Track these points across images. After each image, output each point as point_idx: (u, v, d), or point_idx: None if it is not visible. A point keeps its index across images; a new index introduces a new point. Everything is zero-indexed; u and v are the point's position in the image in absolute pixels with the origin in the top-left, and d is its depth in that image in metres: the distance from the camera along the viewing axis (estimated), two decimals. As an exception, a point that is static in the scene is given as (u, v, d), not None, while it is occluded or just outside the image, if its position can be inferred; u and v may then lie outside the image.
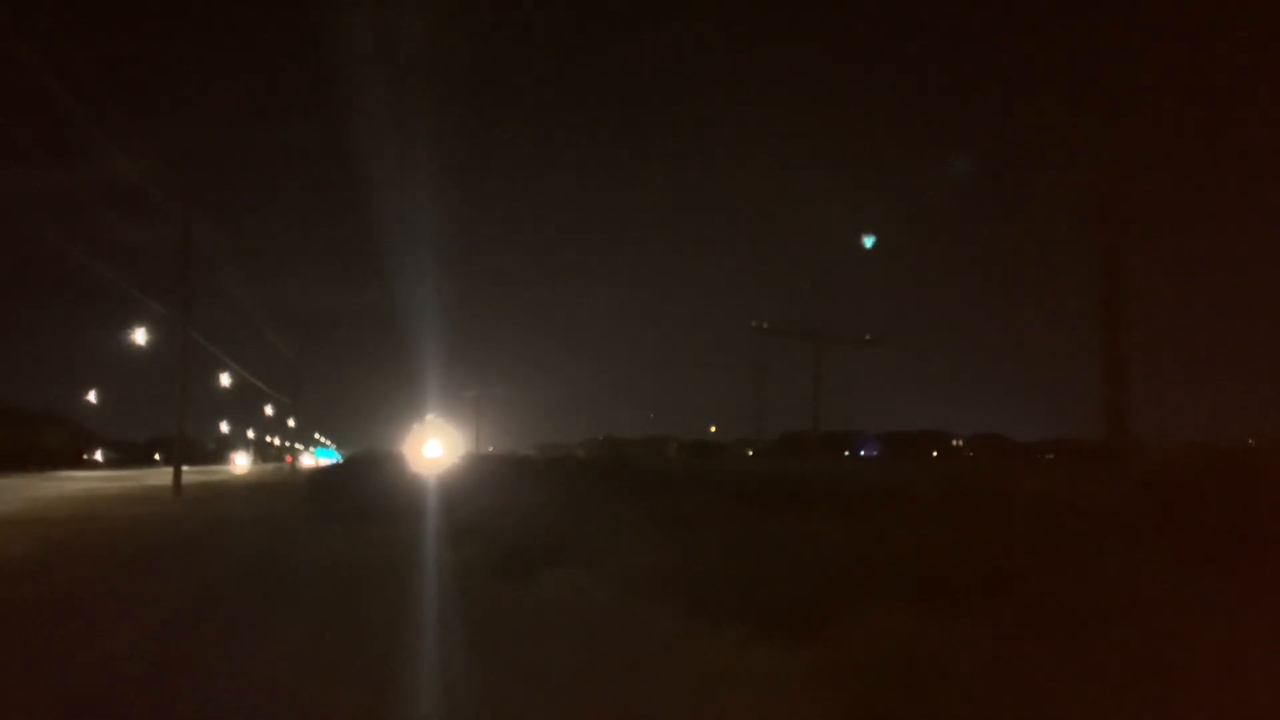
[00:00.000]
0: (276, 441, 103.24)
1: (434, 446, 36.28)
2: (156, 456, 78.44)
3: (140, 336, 34.36)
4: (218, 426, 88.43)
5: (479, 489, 18.80)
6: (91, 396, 65.05)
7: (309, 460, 78.15)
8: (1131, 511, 8.76)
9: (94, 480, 43.08)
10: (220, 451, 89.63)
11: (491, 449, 65.87)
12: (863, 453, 73.56)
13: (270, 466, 78.09)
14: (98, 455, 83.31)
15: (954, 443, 77.97)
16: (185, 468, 33.82)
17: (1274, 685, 4.56)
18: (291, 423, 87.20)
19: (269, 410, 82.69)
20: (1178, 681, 4.68)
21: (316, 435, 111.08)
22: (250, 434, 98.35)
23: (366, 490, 18.96)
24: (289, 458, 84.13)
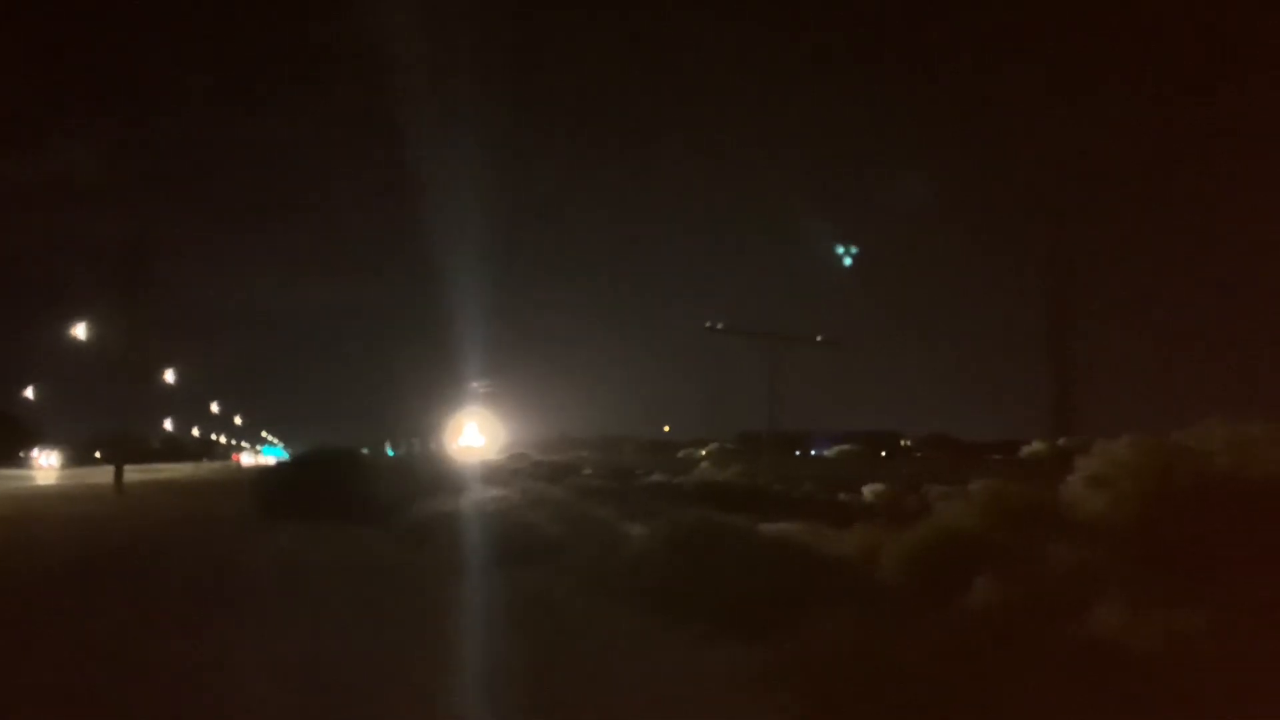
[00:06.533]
0: (223, 440, 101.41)
1: (472, 434, 31.95)
2: (97, 455, 76.51)
3: (81, 331, 33.50)
4: (162, 424, 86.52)
5: (434, 487, 18.64)
6: (29, 393, 63.08)
7: (249, 459, 77.16)
8: (1075, 511, 9.00)
9: (33, 478, 41.92)
10: (178, 448, 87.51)
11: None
12: (814, 452, 74.39)
13: (218, 464, 76.78)
14: (35, 453, 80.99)
15: (902, 443, 79.12)
16: (128, 466, 33.04)
17: (1209, 677, 4.72)
18: (239, 420, 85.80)
19: (215, 408, 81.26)
20: (1126, 675, 4.84)
21: (264, 434, 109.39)
22: (195, 431, 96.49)
23: (318, 488, 18.68)
24: (235, 456, 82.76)
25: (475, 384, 38.75)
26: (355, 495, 18.19)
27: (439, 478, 22.01)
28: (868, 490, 20.34)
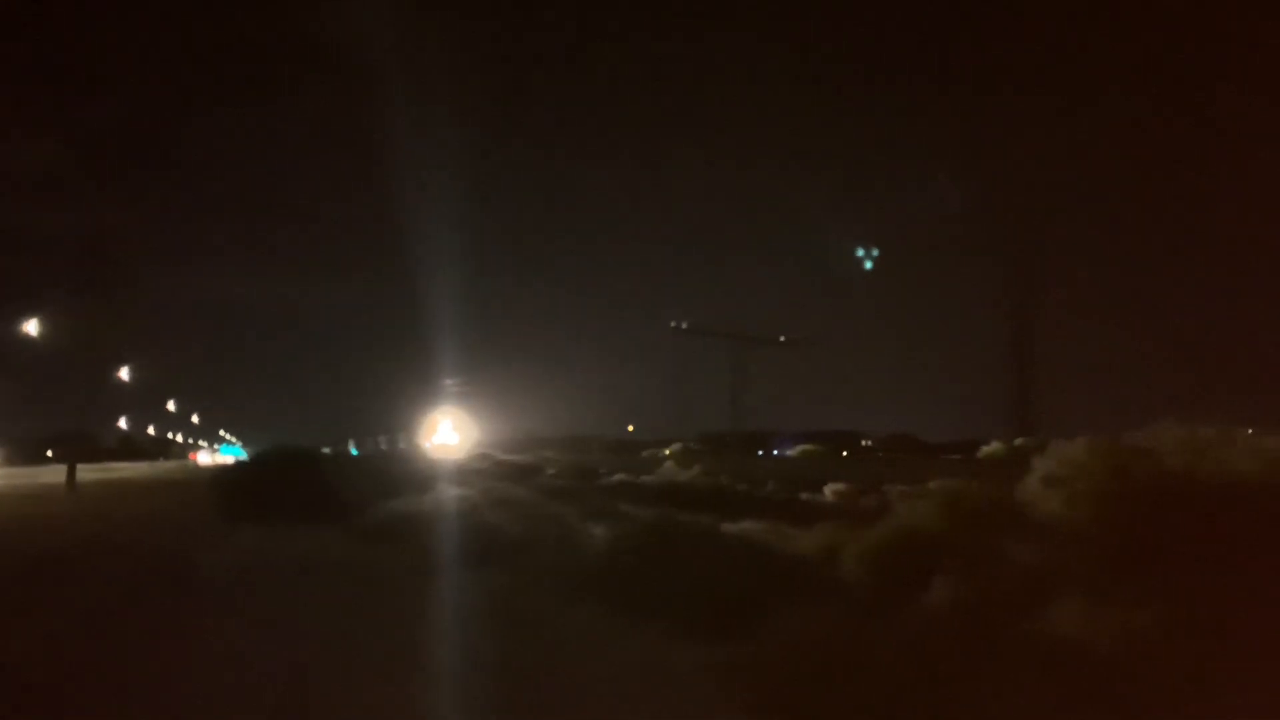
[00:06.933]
0: (179, 438, 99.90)
1: (445, 432, 32.57)
2: (49, 453, 74.92)
3: (34, 327, 32.81)
4: (116, 422, 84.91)
5: (397, 488, 18.50)
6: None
7: (205, 458, 76.12)
8: (1032, 510, 9.14)
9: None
10: (133, 447, 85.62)
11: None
12: (776, 452, 74.87)
13: (174, 464, 75.64)
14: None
15: (863, 443, 79.88)
16: (81, 465, 32.40)
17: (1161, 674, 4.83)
18: (196, 419, 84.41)
19: (171, 406, 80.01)
20: (1084, 670, 4.94)
21: (222, 433, 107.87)
22: (151, 430, 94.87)
23: (277, 489, 18.44)
24: (192, 455, 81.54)
25: (448, 381, 38.52)
26: (315, 496, 17.96)
27: (402, 478, 21.84)
28: (829, 490, 20.48)
